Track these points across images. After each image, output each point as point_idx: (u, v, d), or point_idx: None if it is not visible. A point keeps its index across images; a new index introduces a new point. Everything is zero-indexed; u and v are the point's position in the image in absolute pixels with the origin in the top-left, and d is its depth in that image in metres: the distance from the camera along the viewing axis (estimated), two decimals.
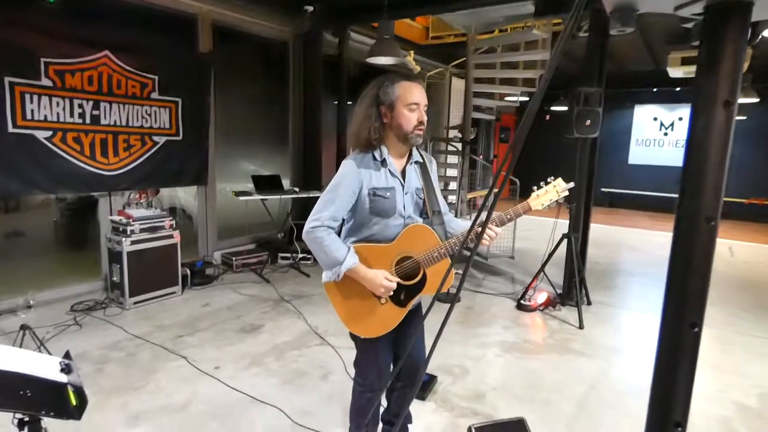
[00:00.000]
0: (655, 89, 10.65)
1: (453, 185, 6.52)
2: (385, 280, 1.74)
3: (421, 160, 1.87)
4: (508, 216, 1.73)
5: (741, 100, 6.96)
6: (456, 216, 5.22)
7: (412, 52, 6.91)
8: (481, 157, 10.87)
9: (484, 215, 1.15)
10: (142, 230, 3.99)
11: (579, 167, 4.23)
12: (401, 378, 2.04)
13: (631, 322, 4.15)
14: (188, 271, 4.52)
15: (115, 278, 4.00)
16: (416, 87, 1.75)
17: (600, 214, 10.44)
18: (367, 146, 1.77)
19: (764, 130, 9.83)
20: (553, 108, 11.05)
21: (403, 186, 1.81)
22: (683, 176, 0.63)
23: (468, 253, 3.32)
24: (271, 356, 3.19)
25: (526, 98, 7.14)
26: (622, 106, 11.31)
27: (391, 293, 1.78)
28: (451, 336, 3.60)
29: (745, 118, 9.20)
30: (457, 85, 7.62)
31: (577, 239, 4.26)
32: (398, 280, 1.77)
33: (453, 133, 6.99)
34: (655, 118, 11.23)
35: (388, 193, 1.77)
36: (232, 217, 5.65)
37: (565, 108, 4.08)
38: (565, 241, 4.21)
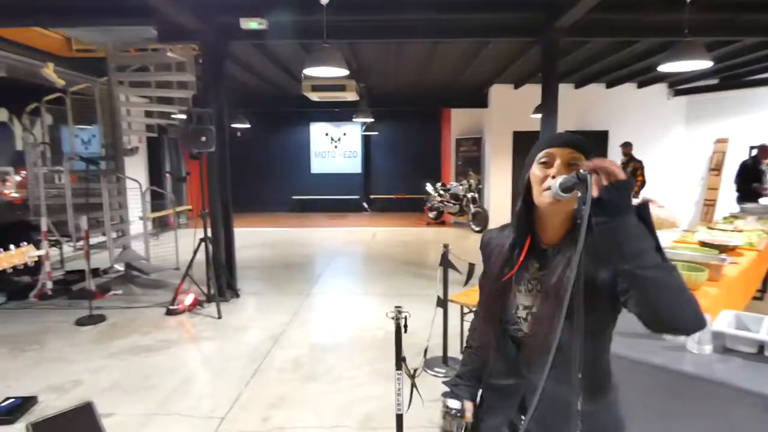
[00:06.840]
0: (321, 110, 12.61)
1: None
2: None
3: None
4: None
5: (363, 120, 8.99)
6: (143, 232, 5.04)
7: (51, 64, 6.32)
8: (167, 174, 10.68)
9: None
10: None
11: (209, 178, 4.77)
12: None
13: (266, 304, 4.90)
14: None
15: None
16: None
17: (291, 218, 11.72)
18: None
19: (391, 140, 12.99)
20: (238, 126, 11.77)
21: None
22: None
23: None
24: None
25: (184, 116, 7.44)
26: (299, 124, 12.98)
27: None
28: (75, 356, 3.56)
29: (377, 133, 11.90)
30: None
31: (214, 241, 4.79)
32: None
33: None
34: (327, 134, 13.29)
35: None
36: None
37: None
38: (203, 245, 4.67)
